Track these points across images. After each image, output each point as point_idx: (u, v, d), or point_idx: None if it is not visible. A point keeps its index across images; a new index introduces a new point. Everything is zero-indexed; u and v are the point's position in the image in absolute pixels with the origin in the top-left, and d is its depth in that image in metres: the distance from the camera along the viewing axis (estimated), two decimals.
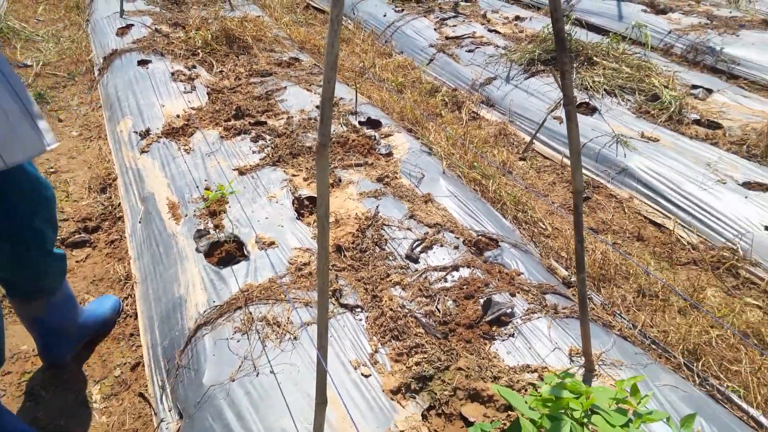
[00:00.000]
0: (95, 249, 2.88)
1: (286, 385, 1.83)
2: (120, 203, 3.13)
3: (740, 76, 4.64)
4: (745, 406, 1.92)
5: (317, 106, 3.66)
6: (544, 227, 2.96)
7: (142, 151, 3.27)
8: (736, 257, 2.67)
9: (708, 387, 2.03)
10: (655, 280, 2.57)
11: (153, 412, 2.00)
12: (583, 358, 1.90)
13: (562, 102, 3.52)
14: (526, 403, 1.33)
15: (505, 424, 1.74)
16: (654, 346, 2.21)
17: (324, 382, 1.38)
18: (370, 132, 3.38)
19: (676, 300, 2.49)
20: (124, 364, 2.23)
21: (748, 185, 3.00)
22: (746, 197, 2.89)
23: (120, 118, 3.72)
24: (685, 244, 2.88)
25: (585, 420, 1.29)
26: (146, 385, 2.12)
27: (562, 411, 1.28)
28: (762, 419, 1.87)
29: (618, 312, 2.37)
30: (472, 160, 3.39)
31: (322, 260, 1.24)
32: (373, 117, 3.58)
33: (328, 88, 1.06)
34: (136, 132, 3.43)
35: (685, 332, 2.22)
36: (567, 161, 3.64)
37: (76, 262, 2.77)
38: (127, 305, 2.50)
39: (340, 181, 2.90)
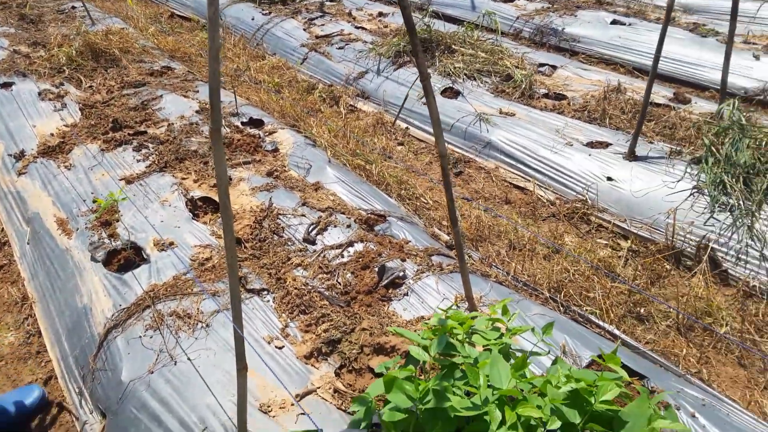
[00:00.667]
0: None
1: (205, 367, 1.95)
2: (3, 228, 3.04)
3: (580, 52, 5.24)
4: (601, 323, 2.30)
5: (197, 111, 3.73)
6: (425, 201, 3.25)
7: (20, 173, 3.18)
8: (586, 207, 3.10)
9: (571, 313, 2.39)
10: (523, 235, 2.93)
11: (74, 418, 2.04)
12: (467, 302, 2.19)
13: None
14: (418, 334, 1.56)
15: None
16: (525, 287, 2.55)
17: (242, 348, 1.54)
18: (254, 131, 3.51)
19: (541, 249, 2.86)
20: (36, 380, 2.23)
21: (590, 144, 3.46)
22: (590, 155, 3.35)
23: None
24: (545, 201, 3.29)
25: (467, 339, 1.54)
26: (63, 396, 2.15)
27: (448, 334, 1.53)
28: (615, 331, 2.26)
29: (494, 264, 2.70)
30: (355, 149, 3.62)
31: (228, 226, 1.40)
32: (255, 117, 3.71)
33: (215, 78, 1.23)
34: (10, 155, 3.33)
35: (549, 272, 2.58)
36: None
37: None
38: (28, 325, 2.48)
39: (230, 179, 3.01)
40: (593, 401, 1.26)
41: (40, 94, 3.95)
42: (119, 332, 2.13)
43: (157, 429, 1.78)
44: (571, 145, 3.47)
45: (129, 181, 2.99)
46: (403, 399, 1.33)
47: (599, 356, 1.89)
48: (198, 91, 4.11)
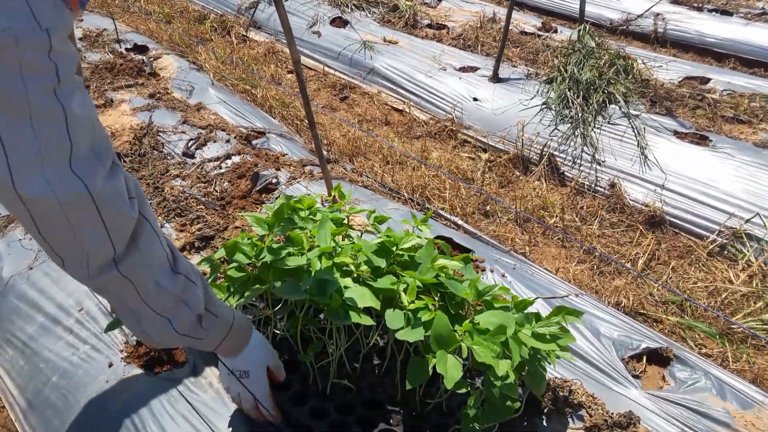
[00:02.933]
0: None
1: None
2: None
3: None
4: (450, 216, 2.63)
5: (80, 38, 3.72)
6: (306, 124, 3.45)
7: None
8: (454, 125, 3.41)
9: (425, 210, 2.70)
10: (396, 151, 3.21)
11: None
12: (329, 198, 2.44)
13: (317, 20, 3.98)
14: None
15: None
16: (389, 191, 2.84)
17: None
18: (138, 57, 3.55)
19: (411, 162, 3.15)
20: None
21: (462, 69, 3.75)
22: (460, 78, 3.64)
23: None
24: (420, 121, 3.57)
25: (309, 217, 1.80)
26: None
27: (291, 213, 1.77)
28: (459, 222, 2.59)
29: (364, 173, 2.96)
30: (241, 74, 3.74)
31: None
32: (140, 43, 3.74)
33: None
34: None
35: (411, 179, 2.88)
36: (328, 70, 4.14)
37: None
38: None
39: (112, 101, 3.09)
40: (395, 249, 1.55)
41: None
42: (0, 237, 2.25)
43: (37, 313, 1.95)
44: (445, 69, 3.75)
45: None
46: (242, 257, 1.57)
47: (438, 236, 2.20)
48: (82, 20, 4.06)
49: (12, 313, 1.99)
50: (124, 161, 2.66)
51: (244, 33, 4.61)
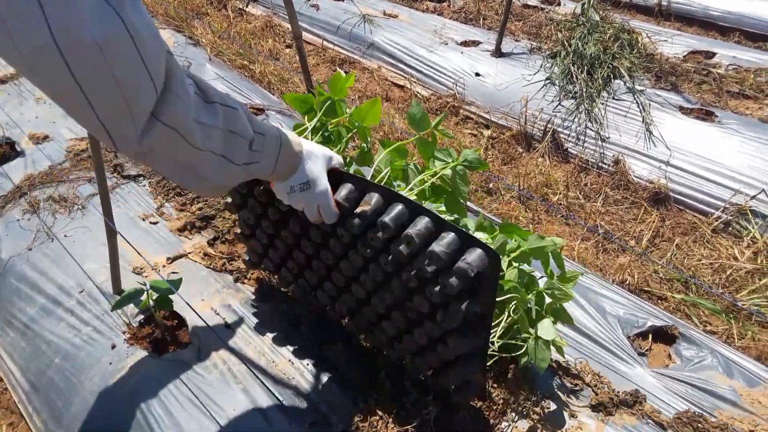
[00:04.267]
0: None
1: (81, 242, 2.09)
2: None
3: None
4: None
5: None
6: None
7: None
8: (456, 101, 3.36)
9: None
10: (396, 129, 3.16)
11: None
12: None
13: None
14: None
15: None
16: None
17: (109, 222, 1.70)
18: None
19: (411, 139, 3.10)
20: None
21: (464, 43, 3.68)
22: (462, 53, 3.57)
23: None
24: (420, 97, 3.52)
25: None
26: None
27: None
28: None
29: None
30: (239, 49, 3.67)
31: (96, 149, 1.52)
32: None
33: None
34: None
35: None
36: (327, 44, 4.07)
37: None
38: None
39: None
40: None
41: None
42: None
43: (37, 294, 1.92)
44: (447, 44, 3.68)
45: (2, 81, 2.95)
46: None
47: None
48: None
49: (12, 294, 1.97)
50: None
51: (241, 6, 4.52)
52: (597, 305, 1.99)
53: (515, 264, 1.45)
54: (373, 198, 1.27)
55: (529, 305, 1.50)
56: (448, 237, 1.19)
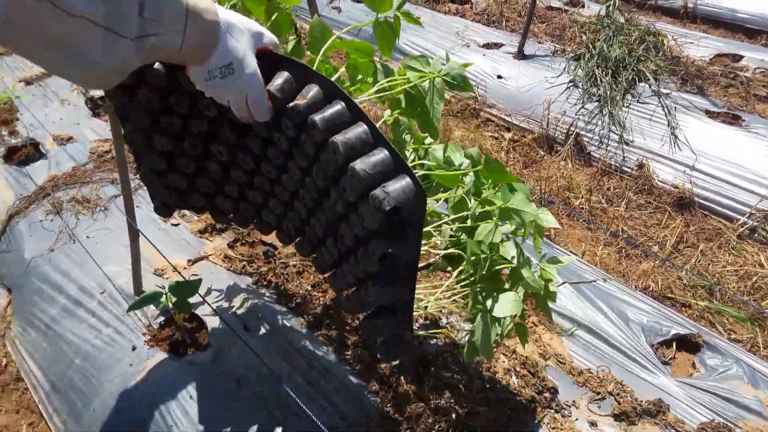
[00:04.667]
0: None
1: (103, 243, 2.11)
2: None
3: None
4: None
5: None
6: None
7: None
8: (477, 103, 3.33)
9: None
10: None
11: None
12: None
13: None
14: None
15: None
16: None
17: (133, 224, 1.71)
18: None
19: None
20: None
21: (486, 45, 3.66)
22: (484, 55, 3.55)
23: None
24: None
25: None
26: None
27: None
28: None
29: None
30: None
31: (119, 151, 1.54)
32: None
33: None
34: None
35: None
36: None
37: None
38: None
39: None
40: None
41: None
42: (21, 218, 2.25)
43: (59, 295, 1.95)
44: (468, 46, 3.66)
45: (29, 82, 2.99)
46: None
47: None
48: None
49: (34, 294, 2.00)
50: None
51: None
52: (619, 312, 1.96)
53: (494, 219, 1.18)
54: (311, 91, 0.99)
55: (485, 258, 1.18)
56: (380, 155, 0.94)
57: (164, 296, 1.60)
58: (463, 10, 4.10)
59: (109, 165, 2.47)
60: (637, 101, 3.01)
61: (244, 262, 2.05)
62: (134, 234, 1.78)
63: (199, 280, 1.68)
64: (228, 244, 2.17)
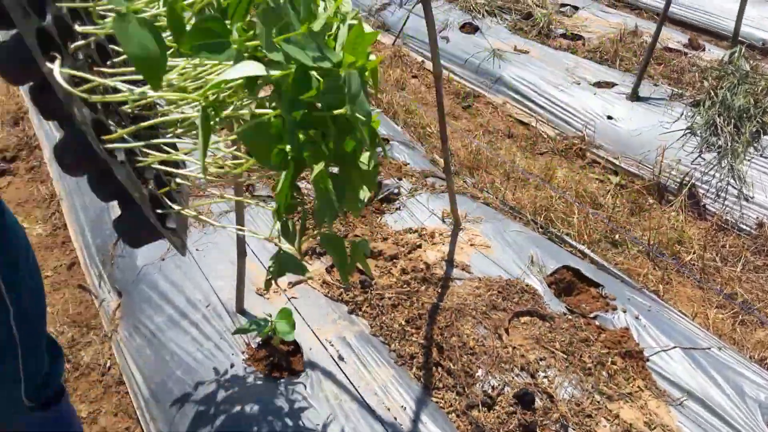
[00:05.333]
0: (16, 176, 3.07)
1: (211, 257, 2.20)
2: (35, 133, 3.30)
3: None
4: (575, 243, 2.48)
5: None
6: (430, 131, 3.41)
7: None
8: (583, 143, 3.23)
9: (548, 233, 2.57)
10: (518, 166, 3.09)
11: (93, 296, 2.32)
12: (452, 217, 2.38)
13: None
14: None
15: (390, 268, 2.20)
16: (510, 210, 2.73)
17: (242, 241, 1.77)
18: None
19: (533, 180, 3.02)
20: (60, 265, 2.52)
21: (597, 84, 3.55)
22: (595, 94, 3.44)
23: None
24: (545, 137, 3.42)
25: None
26: (84, 279, 2.43)
27: None
28: (586, 251, 2.43)
29: (485, 188, 2.88)
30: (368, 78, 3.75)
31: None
32: None
33: None
34: None
35: (534, 199, 2.75)
36: (453, 76, 4.08)
37: None
38: (55, 219, 2.76)
39: None
40: None
41: None
42: None
43: (166, 305, 2.04)
44: (579, 84, 3.56)
45: None
46: None
47: (564, 266, 2.09)
48: None
49: (143, 301, 2.10)
50: None
51: None
52: (735, 385, 1.81)
53: None
54: None
55: None
56: None
57: (269, 324, 1.65)
58: (575, 45, 4.01)
59: (221, 181, 2.58)
60: (761, 155, 2.81)
61: (341, 290, 2.07)
62: (242, 251, 1.84)
63: (293, 323, 1.68)
64: (326, 269, 2.20)
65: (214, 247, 2.25)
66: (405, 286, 2.10)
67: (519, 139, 3.46)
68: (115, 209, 2.54)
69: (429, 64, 4.28)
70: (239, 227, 1.74)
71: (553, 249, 2.32)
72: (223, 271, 2.14)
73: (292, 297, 2.02)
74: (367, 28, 0.92)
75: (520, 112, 3.63)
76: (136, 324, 2.05)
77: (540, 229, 2.58)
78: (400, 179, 2.67)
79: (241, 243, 1.82)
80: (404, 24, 4.35)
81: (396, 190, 2.58)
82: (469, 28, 4.35)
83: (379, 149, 1.02)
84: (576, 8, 4.60)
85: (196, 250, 2.24)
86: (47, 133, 3.18)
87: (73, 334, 2.19)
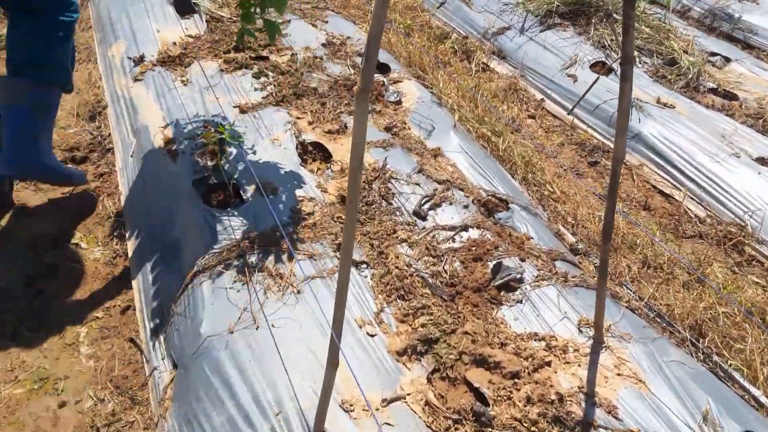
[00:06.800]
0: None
1: (289, 341, 1.76)
2: (110, 134, 2.98)
3: (757, 47, 4.49)
4: (747, 385, 1.91)
5: (323, 44, 3.48)
6: (552, 190, 2.88)
7: (136, 79, 3.08)
8: (744, 234, 2.63)
9: (711, 363, 2.01)
10: (660, 252, 2.52)
11: (144, 359, 1.93)
12: (593, 329, 1.86)
13: (618, 60, 3.40)
14: None
15: (510, 391, 1.70)
16: (659, 319, 2.18)
17: (337, 347, 1.32)
18: (378, 76, 3.22)
19: (680, 273, 2.45)
20: (114, 306, 2.15)
21: (761, 161, 2.93)
22: (759, 173, 2.83)
23: (112, 41, 3.51)
24: (693, 216, 2.83)
25: None
26: (137, 330, 2.05)
27: None
28: (763, 399, 1.86)
29: (625, 283, 2.33)
30: (482, 115, 3.26)
31: (350, 219, 1.16)
32: (382, 60, 3.41)
33: (377, 26, 0.95)
34: (129, 58, 3.24)
35: (690, 307, 2.19)
36: (578, 122, 3.53)
37: (62, 193, 2.64)
38: (116, 245, 2.40)
39: (346, 127, 2.77)
40: None
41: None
42: (205, 278, 1.98)
43: (229, 399, 1.62)
44: (738, 156, 2.95)
45: (243, 110, 2.80)
46: None
47: None
48: (327, 22, 3.85)
49: (201, 385, 1.69)
50: None
51: (485, 61, 4.14)
52: None
53: None
54: None
55: None
56: None
57: None
58: (730, 106, 3.38)
59: (309, 233, 2.15)
60: None
61: (450, 422, 1.58)
62: (334, 360, 1.39)
63: None
64: (428, 377, 1.73)
65: (293, 326, 1.81)
66: (532, 426, 1.60)
67: (658, 214, 2.88)
68: (184, 250, 2.15)
69: (550, 104, 3.74)
70: (337, 305, 1.29)
71: (725, 396, 1.76)
72: (302, 362, 1.70)
73: (387, 423, 1.56)
74: None
75: (661, 180, 3.05)
76: (189, 417, 1.64)
77: (701, 355, 2.02)
78: (522, 260, 2.16)
79: (334, 349, 1.37)
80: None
81: (518, 275, 2.08)
82: (601, 68, 3.78)
83: None
84: (728, 60, 3.95)
85: (273, 326, 1.80)
86: (123, 138, 2.84)
87: (114, 406, 1.80)
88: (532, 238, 2.31)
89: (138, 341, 2.00)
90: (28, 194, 2.59)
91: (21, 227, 2.44)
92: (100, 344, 2.02)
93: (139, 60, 3.20)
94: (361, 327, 1.84)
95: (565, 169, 3.15)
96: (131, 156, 2.71)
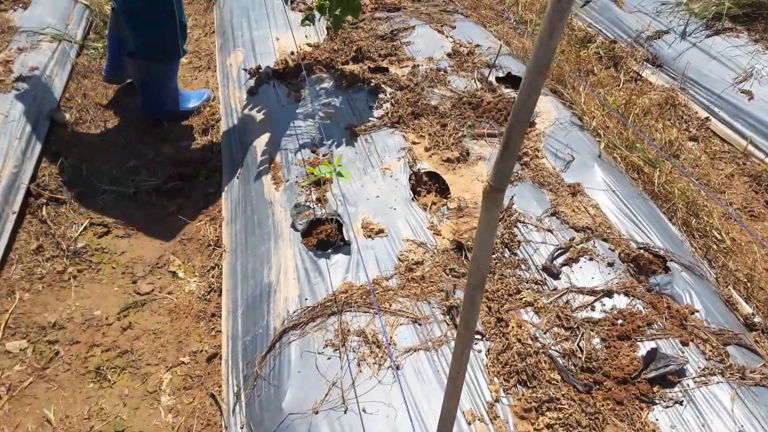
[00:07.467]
0: (189, 200, 2.62)
1: (381, 423, 1.46)
2: (220, 150, 2.84)
3: None
4: None
5: (448, 54, 3.13)
6: (720, 238, 2.33)
7: (250, 93, 2.92)
8: None
9: None
10: None
11: (224, 425, 1.72)
12: None
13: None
14: None
15: None
16: None
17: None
18: (509, 92, 2.82)
19: None
20: (201, 351, 1.97)
21: None
22: None
23: (231, 49, 3.40)
24: None
25: None
26: (220, 384, 1.84)
27: None
28: None
29: None
30: (633, 139, 2.75)
31: (464, 345, 0.82)
32: (515, 72, 3.00)
33: (524, 105, 0.61)
34: (245, 69, 3.09)
35: None
36: (753, 149, 2.90)
37: (168, 213, 2.53)
38: (212, 277, 2.23)
39: (468, 154, 2.41)
40: None
41: (292, 0, 3.66)
42: (296, 336, 1.73)
43: None
44: None
45: (355, 132, 2.53)
46: None
47: None
48: (454, 27, 3.49)
49: None
50: (467, 257, 1.95)
51: (637, 70, 3.57)
52: None
53: None
54: None
55: None
56: None
57: None
58: None
59: (415, 287, 1.83)
60: None
61: None
62: None
63: None
64: None
65: (387, 413, 1.50)
66: None
67: None
68: (277, 298, 1.92)
69: (717, 125, 3.12)
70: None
71: None
72: None
73: None
74: None
75: None
76: None
77: None
78: (685, 344, 1.69)
79: None
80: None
81: (679, 367, 1.62)
82: None
83: None
84: None
85: (363, 411, 1.51)
86: (231, 157, 2.69)
87: None
88: (698, 311, 1.83)
89: (219, 400, 1.80)
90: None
91: (121, 248, 2.35)
92: (182, 396, 1.85)
93: (255, 72, 3.05)
94: (470, 423, 1.49)
95: (736, 209, 2.56)
96: (237, 177, 2.54)
